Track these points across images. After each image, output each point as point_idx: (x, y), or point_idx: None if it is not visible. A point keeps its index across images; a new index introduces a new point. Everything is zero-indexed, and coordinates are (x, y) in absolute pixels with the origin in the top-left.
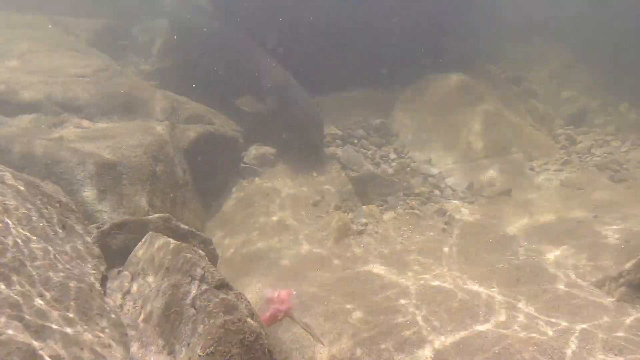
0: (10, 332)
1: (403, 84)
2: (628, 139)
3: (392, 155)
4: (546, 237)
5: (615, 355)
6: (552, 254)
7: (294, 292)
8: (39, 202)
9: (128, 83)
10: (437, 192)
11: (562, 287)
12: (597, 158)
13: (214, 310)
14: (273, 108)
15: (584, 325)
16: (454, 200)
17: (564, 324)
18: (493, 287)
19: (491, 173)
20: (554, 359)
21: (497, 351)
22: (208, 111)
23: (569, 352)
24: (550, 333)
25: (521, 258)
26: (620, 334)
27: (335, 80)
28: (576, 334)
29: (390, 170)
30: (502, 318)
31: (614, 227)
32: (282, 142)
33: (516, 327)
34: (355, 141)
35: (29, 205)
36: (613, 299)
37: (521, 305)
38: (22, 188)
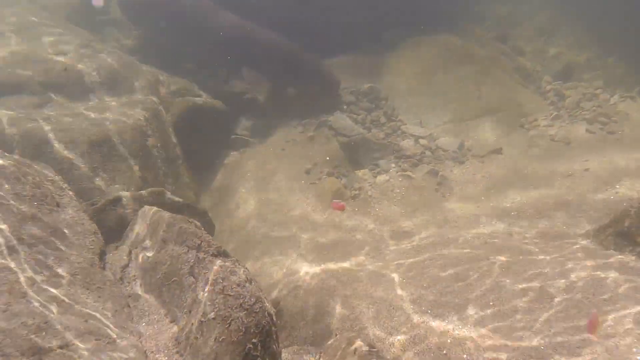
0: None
1: (391, 47)
2: (615, 93)
3: (383, 119)
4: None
5: None
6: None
7: None
8: (31, 182)
9: (111, 59)
10: (428, 153)
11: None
12: (586, 112)
13: (213, 278)
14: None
15: None
16: (445, 161)
17: None
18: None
19: (481, 132)
20: None
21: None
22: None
23: None
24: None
25: (513, 214)
26: None
27: (322, 46)
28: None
29: (381, 134)
30: None
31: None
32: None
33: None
34: (345, 107)
35: (21, 186)
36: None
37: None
38: (13, 169)
